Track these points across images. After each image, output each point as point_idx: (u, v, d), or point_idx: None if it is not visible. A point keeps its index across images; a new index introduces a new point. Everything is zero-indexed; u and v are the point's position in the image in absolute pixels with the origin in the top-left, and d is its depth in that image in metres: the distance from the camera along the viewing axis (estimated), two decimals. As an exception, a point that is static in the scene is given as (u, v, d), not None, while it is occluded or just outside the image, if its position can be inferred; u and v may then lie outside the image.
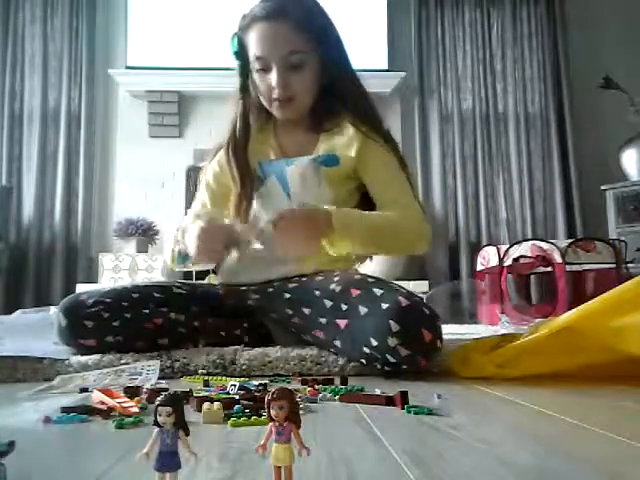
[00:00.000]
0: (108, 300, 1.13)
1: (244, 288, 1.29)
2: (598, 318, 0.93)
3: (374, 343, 0.97)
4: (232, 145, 1.30)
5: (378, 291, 1.02)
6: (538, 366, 0.95)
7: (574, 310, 0.97)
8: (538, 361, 0.96)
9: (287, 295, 1.22)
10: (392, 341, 0.94)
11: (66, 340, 1.13)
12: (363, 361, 1.01)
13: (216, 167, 1.35)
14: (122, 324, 1.12)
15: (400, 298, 0.97)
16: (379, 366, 0.98)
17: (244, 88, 1.30)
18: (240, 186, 1.27)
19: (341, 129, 1.29)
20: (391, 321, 0.94)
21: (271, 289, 1.26)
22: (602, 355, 0.93)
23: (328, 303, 1.09)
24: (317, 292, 1.13)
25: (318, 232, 1.10)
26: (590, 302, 0.96)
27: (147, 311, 1.16)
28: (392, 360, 0.95)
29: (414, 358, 0.95)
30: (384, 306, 0.97)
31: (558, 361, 0.95)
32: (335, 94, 1.30)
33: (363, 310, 1.01)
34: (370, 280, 1.08)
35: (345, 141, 1.28)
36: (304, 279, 1.23)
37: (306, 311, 1.14)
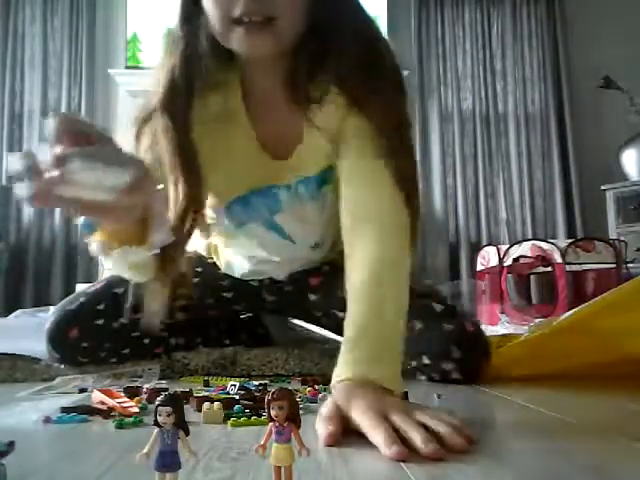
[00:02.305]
0: (106, 345, 1.03)
1: (255, 284, 1.11)
2: (598, 318, 0.93)
3: (426, 361, 0.93)
4: (167, 117, 0.78)
5: (437, 307, 0.95)
6: (539, 366, 0.96)
7: (574, 310, 0.98)
8: (539, 361, 0.96)
9: (312, 297, 1.09)
10: (448, 365, 0.91)
11: (61, 364, 1.05)
12: (408, 367, 0.95)
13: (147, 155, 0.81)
14: (120, 359, 1.05)
15: (465, 322, 0.93)
16: (420, 377, 0.95)
17: (187, 19, 0.83)
18: (186, 184, 0.76)
19: (330, 98, 0.84)
20: (453, 346, 0.90)
21: (289, 287, 1.10)
22: (602, 355, 0.93)
23: None
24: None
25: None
26: (590, 302, 0.96)
27: (147, 341, 1.07)
28: (437, 378, 0.93)
29: (461, 381, 0.92)
30: (447, 327, 0.92)
31: (559, 361, 0.95)
32: (326, 40, 0.82)
33: (418, 325, 0.93)
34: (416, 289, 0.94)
35: (335, 122, 0.85)
36: (324, 277, 1.07)
37: (340, 315, 0.92)
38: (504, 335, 1.13)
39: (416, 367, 0.94)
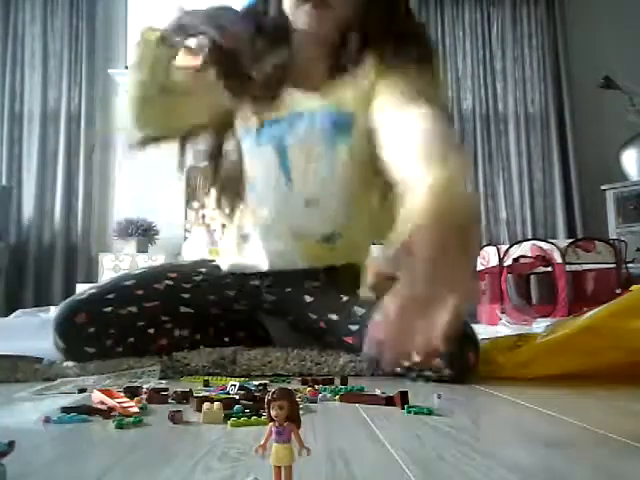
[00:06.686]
0: (112, 331, 1.05)
1: (256, 283, 1.16)
2: (618, 319, 0.94)
3: (417, 359, 0.94)
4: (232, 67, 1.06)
5: None
6: (557, 366, 0.96)
7: (595, 310, 0.98)
8: (557, 361, 0.96)
9: (309, 299, 1.13)
10: (437, 362, 0.92)
11: (65, 357, 1.06)
12: (399, 370, 0.97)
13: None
14: (125, 349, 1.07)
15: None
16: (414, 376, 0.96)
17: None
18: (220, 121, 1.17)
19: (363, 74, 1.04)
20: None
21: (289, 289, 1.14)
22: (623, 355, 0.93)
23: (359, 310, 1.04)
24: (345, 298, 1.07)
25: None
26: (611, 303, 0.97)
27: (152, 331, 1.11)
28: (432, 377, 0.94)
29: (454, 377, 0.92)
30: None
31: (580, 361, 0.95)
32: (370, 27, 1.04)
33: None
34: None
35: (362, 91, 1.03)
36: (322, 281, 1.13)
37: (334, 317, 1.08)
38: (520, 335, 1.12)
39: (408, 367, 0.95)
